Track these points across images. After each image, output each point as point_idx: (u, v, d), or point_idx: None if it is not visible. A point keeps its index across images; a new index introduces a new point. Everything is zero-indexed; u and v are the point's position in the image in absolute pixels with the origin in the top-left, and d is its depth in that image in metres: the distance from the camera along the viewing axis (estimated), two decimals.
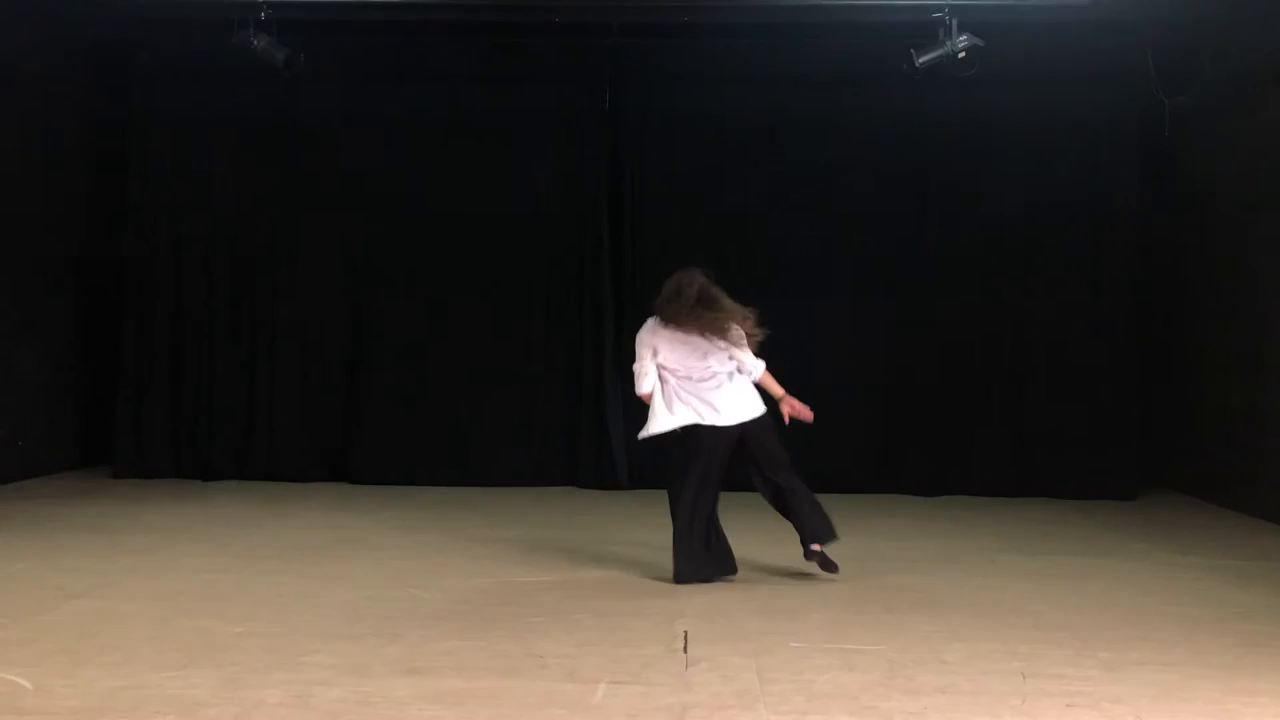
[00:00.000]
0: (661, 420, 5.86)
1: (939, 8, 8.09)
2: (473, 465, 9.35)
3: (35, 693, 4.00)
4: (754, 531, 7.44)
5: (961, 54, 8.10)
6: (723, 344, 5.83)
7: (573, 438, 9.52)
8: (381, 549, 6.71)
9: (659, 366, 5.89)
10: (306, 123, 9.64)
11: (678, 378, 5.86)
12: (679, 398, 5.86)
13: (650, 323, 5.97)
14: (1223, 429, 8.81)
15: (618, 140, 9.63)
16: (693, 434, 5.84)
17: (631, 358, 9.37)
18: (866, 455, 9.29)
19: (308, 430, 9.59)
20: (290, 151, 9.67)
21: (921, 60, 8.21)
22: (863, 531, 7.29)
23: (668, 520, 7.65)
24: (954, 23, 8.08)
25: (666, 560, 6.44)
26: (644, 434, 5.97)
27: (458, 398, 9.48)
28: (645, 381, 5.92)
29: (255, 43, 8.31)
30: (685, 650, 4.63)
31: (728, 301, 5.85)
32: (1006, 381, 9.37)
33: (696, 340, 5.83)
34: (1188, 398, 9.49)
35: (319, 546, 6.76)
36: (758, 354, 5.96)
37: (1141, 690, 4.20)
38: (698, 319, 5.78)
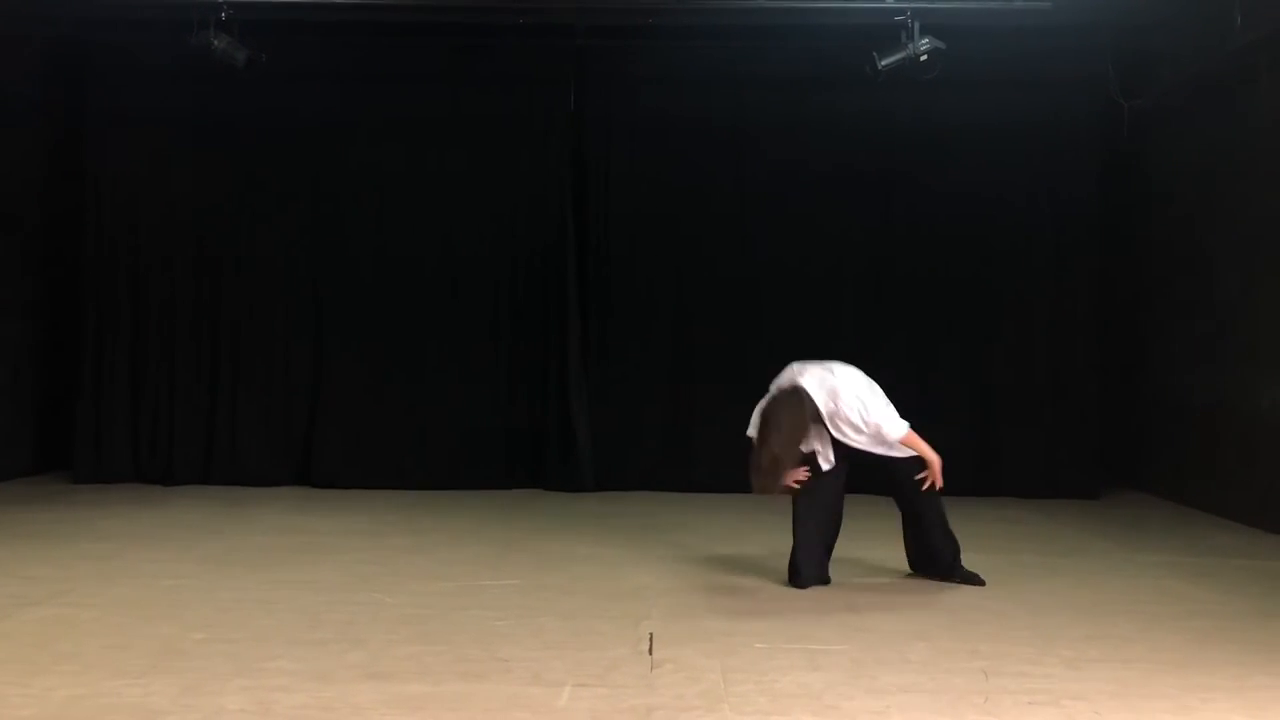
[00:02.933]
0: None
1: (901, 10, 8.15)
2: (437, 469, 9.30)
3: None
4: (718, 532, 7.47)
5: (923, 56, 8.16)
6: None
7: (539, 441, 9.50)
8: (345, 553, 6.66)
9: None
10: (268, 124, 9.56)
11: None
12: None
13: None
14: (1182, 428, 8.93)
15: (583, 142, 9.64)
16: None
17: (600, 358, 9.51)
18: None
19: (270, 434, 9.51)
20: (252, 153, 9.59)
21: (884, 63, 8.27)
22: None
23: (633, 521, 7.68)
24: (916, 25, 8.15)
25: (632, 562, 6.47)
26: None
27: (423, 401, 9.43)
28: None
29: (215, 43, 8.23)
30: (650, 652, 4.63)
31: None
32: (968, 381, 9.44)
33: None
34: (1148, 397, 9.60)
35: (281, 551, 6.70)
36: None
37: (1102, 687, 4.25)
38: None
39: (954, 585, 5.95)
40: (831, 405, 5.69)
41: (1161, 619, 5.29)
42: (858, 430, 5.73)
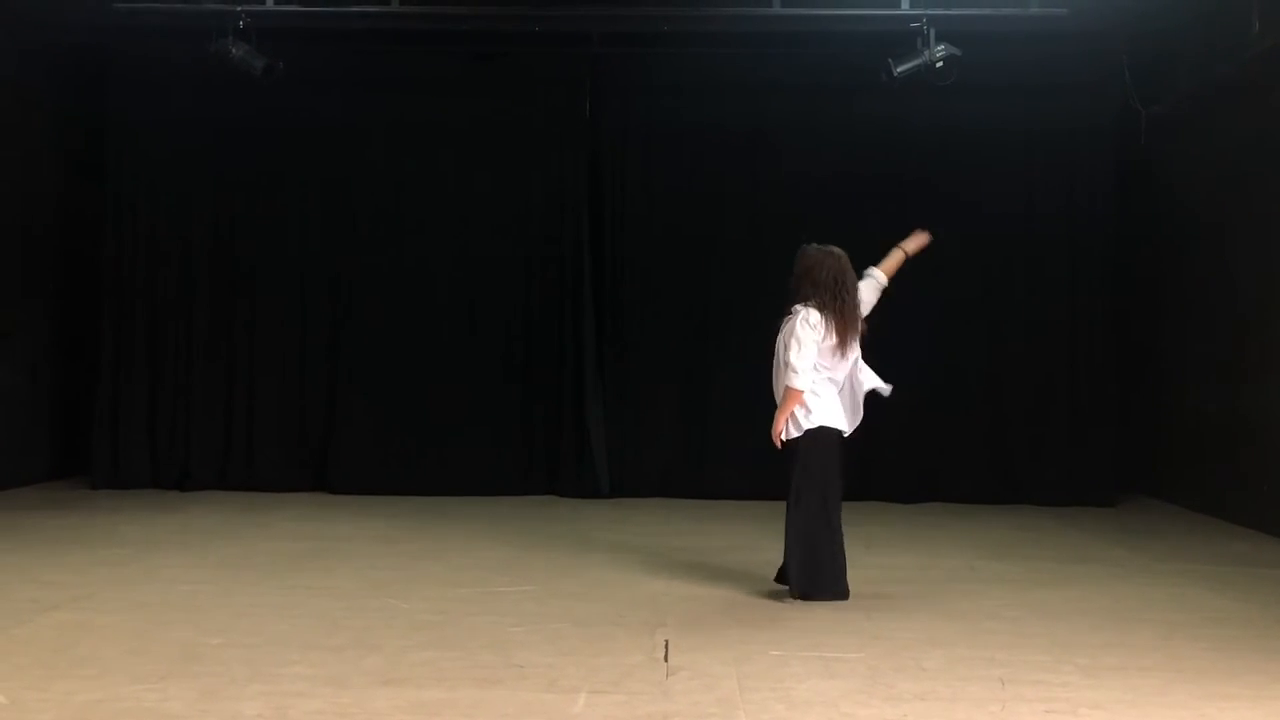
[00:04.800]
0: (825, 414, 5.59)
1: (917, 17, 8.15)
2: (452, 475, 9.32)
3: (10, 707, 3.96)
4: (733, 538, 7.46)
5: (939, 63, 8.16)
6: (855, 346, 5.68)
7: (554, 447, 9.51)
8: (360, 559, 6.68)
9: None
10: (285, 131, 9.61)
11: (824, 376, 5.64)
12: (828, 397, 5.63)
13: (813, 314, 5.57)
14: (1199, 436, 8.88)
15: (598, 148, 9.66)
16: (832, 438, 5.66)
17: (615, 365, 9.50)
18: (846, 462, 9.28)
19: (287, 440, 9.55)
20: (269, 160, 9.65)
21: (900, 70, 8.26)
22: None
23: (648, 527, 7.62)
24: (932, 32, 8.14)
25: (647, 568, 6.45)
26: (797, 432, 5.57)
27: (437, 407, 9.45)
28: (806, 377, 5.53)
29: (234, 51, 8.28)
30: (666, 659, 4.62)
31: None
32: (984, 389, 9.42)
33: (847, 336, 5.64)
34: (1164, 404, 9.55)
35: (297, 557, 6.72)
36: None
37: (1119, 695, 4.23)
38: (854, 314, 5.64)
39: (973, 592, 5.91)
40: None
41: (1179, 627, 5.26)
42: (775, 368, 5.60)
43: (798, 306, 5.69)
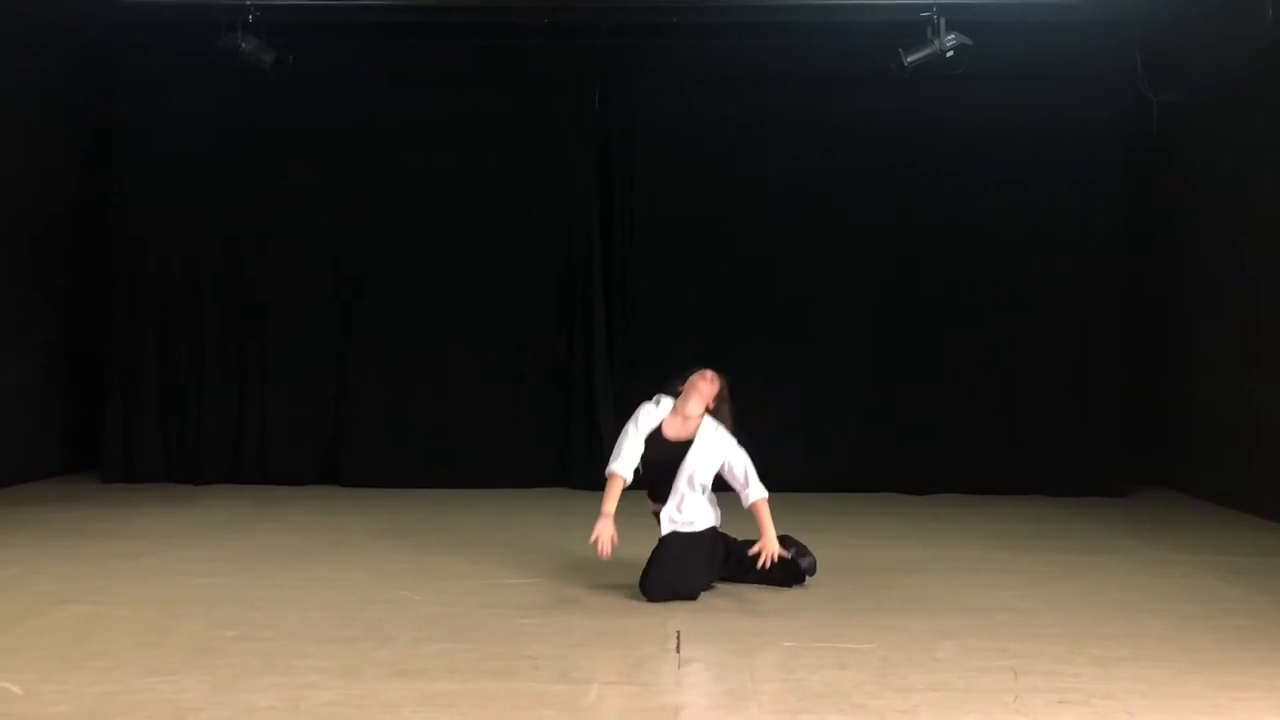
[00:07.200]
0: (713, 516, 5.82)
1: (927, 6, 8.10)
2: (464, 467, 9.32)
3: (25, 699, 3.99)
4: (744, 529, 7.46)
5: (950, 53, 8.11)
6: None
7: (565, 439, 9.51)
8: (373, 551, 6.69)
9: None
10: (295, 125, 9.61)
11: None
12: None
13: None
14: (1211, 425, 8.85)
15: (607, 141, 9.64)
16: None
17: (625, 357, 9.50)
18: (856, 454, 9.30)
19: (298, 433, 9.56)
20: (278, 154, 9.64)
21: (910, 59, 8.23)
22: (853, 531, 7.32)
23: (654, 520, 7.58)
24: (942, 21, 8.09)
25: None
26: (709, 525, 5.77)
27: (449, 400, 9.46)
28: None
29: (243, 45, 8.28)
30: (678, 650, 4.63)
31: None
32: (996, 379, 9.39)
33: None
34: (1176, 394, 9.52)
35: (310, 550, 6.74)
36: None
37: (1132, 686, 4.22)
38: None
39: (985, 583, 5.91)
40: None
41: (1192, 618, 5.25)
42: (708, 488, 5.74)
43: (711, 421, 5.77)
